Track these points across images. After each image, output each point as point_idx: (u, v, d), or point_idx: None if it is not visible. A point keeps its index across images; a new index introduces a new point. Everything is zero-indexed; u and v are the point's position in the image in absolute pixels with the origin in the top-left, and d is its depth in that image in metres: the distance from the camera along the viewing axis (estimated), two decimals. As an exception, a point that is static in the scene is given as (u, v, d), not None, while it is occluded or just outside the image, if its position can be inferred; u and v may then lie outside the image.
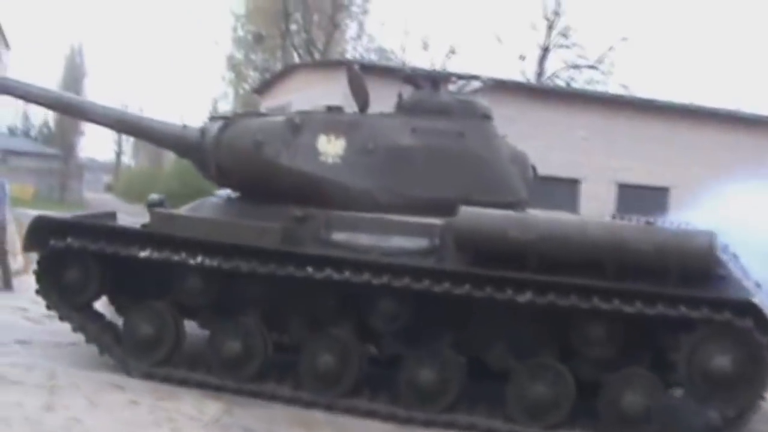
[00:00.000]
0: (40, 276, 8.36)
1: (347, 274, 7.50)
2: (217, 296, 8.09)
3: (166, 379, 8.02)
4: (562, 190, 23.68)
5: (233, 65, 44.91)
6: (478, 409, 7.61)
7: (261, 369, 7.96)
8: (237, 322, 8.03)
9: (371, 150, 8.20)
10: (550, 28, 43.07)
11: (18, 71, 51.56)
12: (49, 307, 8.46)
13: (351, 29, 43.51)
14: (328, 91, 18.57)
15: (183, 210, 8.71)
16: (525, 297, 7.24)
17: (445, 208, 7.78)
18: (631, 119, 25.66)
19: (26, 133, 69.49)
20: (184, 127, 9.20)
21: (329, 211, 8.01)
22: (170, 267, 7.98)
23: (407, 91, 8.63)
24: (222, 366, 7.97)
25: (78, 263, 8.26)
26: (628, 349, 7.38)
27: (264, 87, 32.23)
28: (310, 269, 7.59)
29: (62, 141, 60.41)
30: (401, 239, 7.79)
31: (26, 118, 70.11)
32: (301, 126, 8.24)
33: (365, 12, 43.51)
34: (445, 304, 7.56)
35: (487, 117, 8.58)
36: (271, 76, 32.81)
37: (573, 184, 25.06)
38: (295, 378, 7.89)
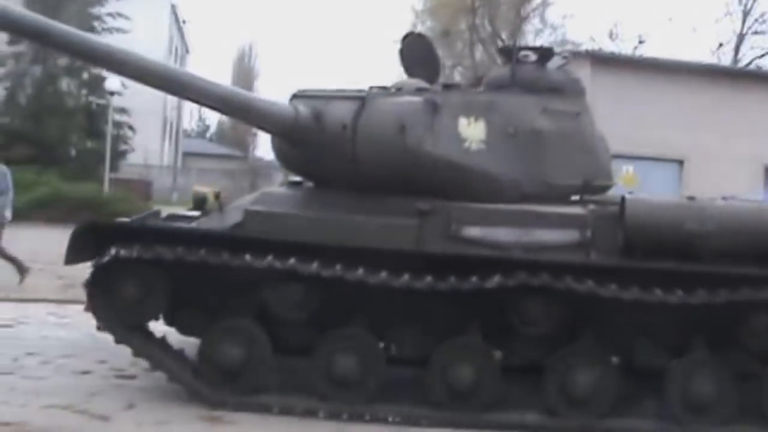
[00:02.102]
0: (93, 292, 6.98)
1: (497, 277, 6.66)
2: (317, 307, 7.00)
3: (263, 408, 6.86)
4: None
5: None
6: (634, 412, 7.04)
7: (377, 388, 6.97)
8: (344, 335, 6.97)
9: (512, 134, 7.44)
10: (745, 14, 42.28)
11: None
12: (99, 329, 7.14)
13: (534, 21, 42.75)
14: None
15: (253, 205, 7.49)
16: (698, 294, 6.70)
17: (567, 197, 7.33)
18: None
19: (202, 135, 69.53)
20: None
21: (458, 203, 7.18)
22: (258, 277, 6.87)
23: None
24: (331, 388, 6.93)
25: (139, 276, 6.95)
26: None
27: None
28: (451, 277, 6.69)
29: (237, 141, 60.10)
30: (546, 232, 7.05)
31: (201, 119, 71.32)
32: (441, 107, 7.28)
33: (547, 4, 42.56)
34: (592, 303, 6.88)
35: (585, 94, 8.03)
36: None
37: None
38: (421, 395, 6.99)
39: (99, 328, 7.11)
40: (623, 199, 7.01)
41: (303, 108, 7.37)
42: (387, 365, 7.01)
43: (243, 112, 7.56)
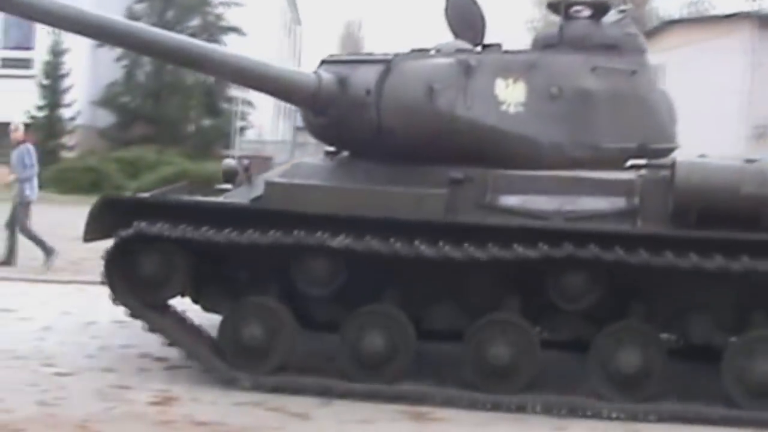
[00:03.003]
0: (110, 269, 6.68)
1: (545, 247, 6.16)
2: (345, 283, 6.59)
3: (292, 389, 6.47)
4: None
5: None
6: (686, 394, 6.47)
7: (407, 367, 6.57)
8: (373, 312, 6.57)
9: (555, 95, 6.97)
10: None
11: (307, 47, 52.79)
12: (115, 303, 6.83)
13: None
14: (710, 47, 17.21)
15: (277, 177, 7.14)
16: (764, 263, 6.13)
17: (621, 161, 6.82)
18: None
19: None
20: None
21: (494, 170, 6.72)
22: (281, 253, 6.49)
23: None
24: (362, 369, 6.54)
25: (159, 252, 6.67)
26: None
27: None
28: (492, 246, 6.21)
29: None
30: (590, 200, 6.57)
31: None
32: (475, 68, 6.81)
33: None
34: (640, 276, 6.38)
35: (646, 51, 7.54)
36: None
37: None
38: (455, 375, 6.56)
39: (115, 303, 6.85)
40: (674, 162, 6.51)
41: (327, 75, 6.96)
42: (418, 342, 6.63)
43: (262, 83, 7.07)
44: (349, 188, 6.73)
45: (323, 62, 7.21)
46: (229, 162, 8.07)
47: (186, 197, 7.39)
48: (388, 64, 6.84)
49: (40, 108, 28.16)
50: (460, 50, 7.06)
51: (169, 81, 28.48)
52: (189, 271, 6.77)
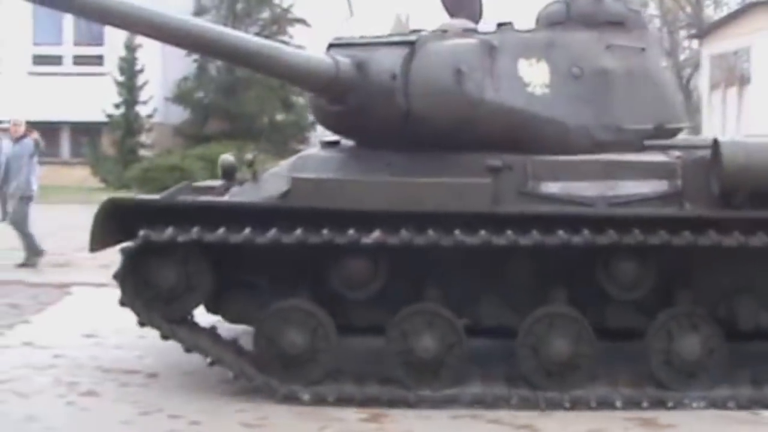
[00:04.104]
0: (125, 280, 6.23)
1: (612, 233, 5.95)
2: (385, 281, 6.26)
3: (333, 400, 6.13)
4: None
5: None
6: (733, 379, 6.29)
7: (460, 369, 6.23)
8: (419, 311, 6.23)
9: (577, 75, 6.69)
10: None
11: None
12: (143, 324, 6.39)
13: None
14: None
15: (297, 171, 6.67)
16: None
17: (640, 143, 6.74)
18: None
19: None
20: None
21: (532, 156, 6.43)
22: (312, 254, 6.18)
23: None
24: (413, 373, 6.18)
25: (176, 260, 6.23)
26: None
27: (711, 29, 29.50)
28: (544, 235, 5.95)
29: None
30: (633, 184, 6.37)
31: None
32: (498, 49, 6.49)
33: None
34: (685, 261, 6.27)
35: (647, 28, 7.43)
36: (720, 19, 30.25)
37: None
38: (509, 374, 6.29)
39: (141, 324, 6.43)
40: (716, 142, 6.25)
41: (343, 59, 6.53)
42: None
43: (278, 68, 6.56)
44: (386, 181, 6.32)
45: (332, 46, 6.84)
46: (228, 157, 7.63)
47: (203, 198, 6.97)
48: (412, 45, 6.50)
49: (116, 106, 28.14)
50: (467, 30, 6.73)
51: (242, 75, 28.12)
52: (212, 279, 6.34)
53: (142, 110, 28.34)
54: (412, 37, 6.59)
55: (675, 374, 6.20)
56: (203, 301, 6.48)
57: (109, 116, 27.97)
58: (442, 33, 6.69)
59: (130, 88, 28.30)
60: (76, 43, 29.31)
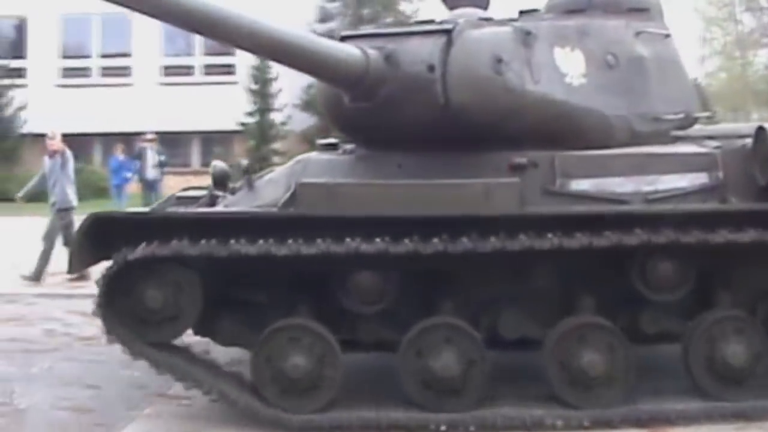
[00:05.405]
0: (105, 302, 5.58)
1: (671, 232, 5.41)
2: (397, 296, 5.69)
3: (353, 426, 5.54)
4: None
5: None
6: None
7: (483, 390, 5.63)
8: (438, 326, 5.64)
9: (612, 64, 6.32)
10: None
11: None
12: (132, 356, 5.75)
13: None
14: None
15: (299, 176, 6.11)
16: None
17: (672, 132, 6.45)
18: None
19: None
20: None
21: (560, 152, 5.96)
22: (316, 267, 5.58)
23: None
24: (433, 396, 5.61)
25: (164, 280, 5.62)
26: None
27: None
28: (580, 236, 5.38)
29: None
30: (671, 178, 5.93)
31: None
32: (535, 36, 6.05)
33: None
34: (725, 260, 5.74)
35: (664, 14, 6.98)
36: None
37: None
38: (537, 392, 5.71)
39: (131, 356, 5.79)
40: (762, 129, 5.82)
41: (371, 51, 5.94)
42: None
43: (304, 61, 5.74)
44: (403, 184, 5.77)
45: (345, 38, 6.23)
46: (220, 164, 7.03)
47: (198, 210, 6.48)
48: (449, 34, 5.94)
49: (249, 114, 28.47)
50: (484, 19, 6.29)
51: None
52: (204, 298, 5.69)
53: (276, 117, 28.50)
54: (448, 25, 6.02)
55: (720, 382, 5.68)
56: (193, 322, 5.81)
57: (242, 125, 28.27)
58: (480, 21, 6.21)
59: (263, 95, 28.60)
60: (207, 53, 29.76)
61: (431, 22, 6.34)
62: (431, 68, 5.88)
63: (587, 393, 5.60)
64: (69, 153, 12.58)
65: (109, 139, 27.29)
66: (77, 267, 5.71)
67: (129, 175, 20.98)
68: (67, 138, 13.00)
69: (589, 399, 5.59)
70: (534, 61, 6.01)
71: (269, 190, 6.25)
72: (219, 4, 5.11)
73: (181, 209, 6.51)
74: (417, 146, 6.06)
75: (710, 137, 6.44)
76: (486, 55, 5.88)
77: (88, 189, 23.72)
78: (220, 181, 6.81)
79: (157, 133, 21.75)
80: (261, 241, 5.42)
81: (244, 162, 6.70)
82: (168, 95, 28.42)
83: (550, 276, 5.79)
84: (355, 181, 5.95)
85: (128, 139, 24.31)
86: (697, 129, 6.80)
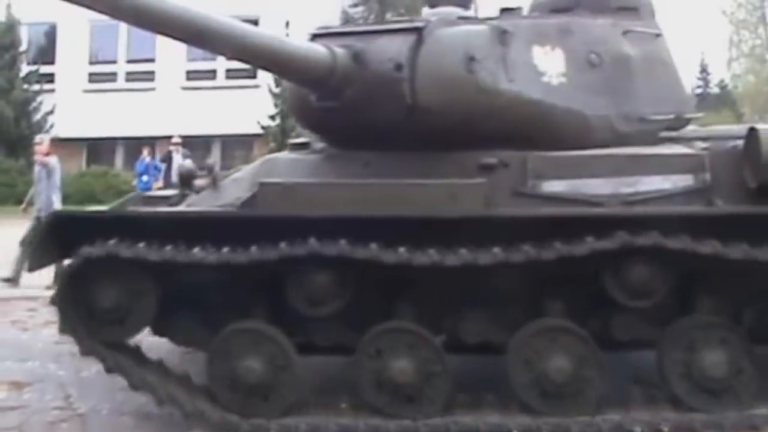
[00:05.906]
0: (64, 301, 5.48)
1: (616, 238, 5.22)
2: (349, 299, 5.54)
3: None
4: None
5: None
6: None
7: (450, 394, 5.51)
8: (395, 330, 5.53)
9: (595, 63, 6.25)
10: None
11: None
12: (83, 354, 5.65)
13: None
14: None
15: (263, 176, 6.08)
16: None
17: (659, 133, 6.31)
18: None
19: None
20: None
21: (533, 153, 5.84)
22: (274, 268, 5.41)
23: None
24: (395, 401, 5.48)
25: (119, 279, 5.49)
26: None
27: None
28: (559, 245, 5.23)
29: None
30: (652, 180, 5.77)
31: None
32: (511, 35, 5.97)
33: None
34: (708, 264, 5.43)
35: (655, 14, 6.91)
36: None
37: None
38: (502, 399, 5.54)
39: (82, 353, 5.67)
40: (753, 130, 5.67)
41: (339, 49, 5.85)
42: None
43: (273, 62, 5.69)
44: (364, 184, 5.64)
45: (315, 36, 6.16)
46: (186, 164, 6.97)
47: (158, 209, 6.39)
48: (419, 32, 5.85)
49: (271, 117, 28.52)
50: (462, 18, 6.24)
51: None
52: (158, 298, 5.59)
53: (300, 121, 28.56)
54: (418, 24, 5.94)
55: (700, 392, 5.48)
56: (149, 322, 5.73)
57: (264, 128, 28.35)
58: (456, 19, 6.14)
59: (285, 98, 28.61)
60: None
61: (405, 21, 6.29)
62: (399, 67, 5.79)
63: (552, 400, 5.45)
64: (55, 161, 12.56)
65: (131, 143, 27.51)
66: (36, 265, 5.66)
67: (145, 178, 21.04)
68: (91, 141, 13.12)
69: (553, 406, 5.44)
70: (510, 59, 5.92)
71: (233, 190, 6.21)
72: (184, 6, 4.98)
73: (143, 209, 6.43)
74: (384, 146, 5.97)
75: (702, 138, 6.29)
76: (458, 53, 5.79)
77: (111, 191, 23.89)
78: (186, 181, 6.70)
79: (180, 136, 21.87)
80: (214, 243, 5.35)
81: (211, 161, 6.65)
82: (191, 99, 28.60)
83: (516, 279, 5.57)
84: (316, 181, 5.88)
85: (151, 142, 24.45)
86: (690, 130, 6.64)
